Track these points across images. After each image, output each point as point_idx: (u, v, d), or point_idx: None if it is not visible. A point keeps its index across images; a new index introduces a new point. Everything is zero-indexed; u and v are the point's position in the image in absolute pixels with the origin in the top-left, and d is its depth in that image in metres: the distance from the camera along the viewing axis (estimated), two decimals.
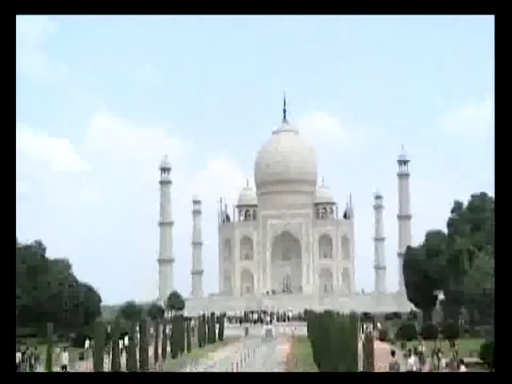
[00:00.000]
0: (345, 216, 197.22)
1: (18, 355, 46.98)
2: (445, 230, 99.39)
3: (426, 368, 39.86)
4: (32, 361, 48.06)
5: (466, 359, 40.72)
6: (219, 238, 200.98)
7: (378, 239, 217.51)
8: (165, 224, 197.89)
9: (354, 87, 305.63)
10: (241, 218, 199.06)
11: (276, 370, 56.45)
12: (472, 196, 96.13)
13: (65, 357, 42.68)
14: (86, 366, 47.62)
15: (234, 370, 55.40)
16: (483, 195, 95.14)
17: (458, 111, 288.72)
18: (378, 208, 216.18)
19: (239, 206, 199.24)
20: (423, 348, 47.89)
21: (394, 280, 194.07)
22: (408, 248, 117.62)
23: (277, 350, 76.21)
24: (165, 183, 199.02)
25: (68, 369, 45.27)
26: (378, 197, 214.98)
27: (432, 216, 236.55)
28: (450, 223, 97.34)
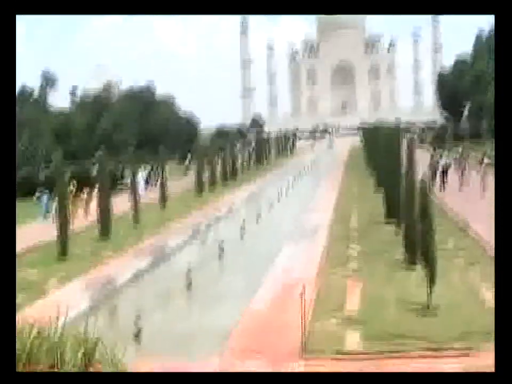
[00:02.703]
0: (389, 49, 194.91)
1: (148, 168, 47.79)
2: (469, 58, 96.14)
3: (456, 165, 39.28)
4: (158, 171, 47.17)
5: (486, 160, 39.74)
6: (289, 71, 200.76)
7: (417, 66, 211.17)
8: (246, 60, 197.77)
9: None
10: (306, 54, 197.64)
11: (339, 164, 57.74)
12: (490, 30, 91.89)
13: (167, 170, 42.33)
14: (188, 178, 47.92)
15: (310, 164, 56.77)
16: None
17: None
18: (416, 41, 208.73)
19: (304, 45, 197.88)
20: (460, 149, 46.63)
21: (429, 98, 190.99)
22: (440, 73, 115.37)
23: (338, 155, 76.80)
24: (244, 30, 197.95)
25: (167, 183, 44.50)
26: (415, 33, 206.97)
27: (460, 46, 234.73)
28: (474, 52, 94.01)
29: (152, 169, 49.45)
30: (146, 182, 45.61)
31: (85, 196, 32.05)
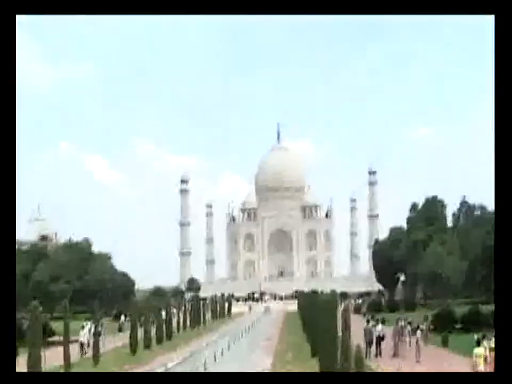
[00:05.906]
0: (326, 215, 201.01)
1: (89, 323, 44.95)
2: (405, 226, 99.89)
3: (390, 333, 39.84)
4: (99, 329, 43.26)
5: (421, 326, 40.99)
6: (227, 235, 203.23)
7: (353, 234, 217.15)
8: (184, 224, 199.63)
9: (330, 112, 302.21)
10: (245, 218, 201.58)
11: (275, 330, 56.93)
12: (426, 199, 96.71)
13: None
14: (122, 338, 47.40)
15: (246, 328, 55.79)
16: (434, 198, 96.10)
17: (415, 131, 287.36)
18: (353, 209, 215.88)
19: (243, 209, 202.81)
20: (396, 317, 47.52)
21: (365, 266, 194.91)
22: (376, 240, 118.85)
23: (275, 320, 76.57)
24: (184, 191, 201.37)
25: (103, 338, 42.08)
26: (353, 200, 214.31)
27: (394, 215, 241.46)
28: (409, 220, 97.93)
29: (93, 325, 48.33)
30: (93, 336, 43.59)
31: None
